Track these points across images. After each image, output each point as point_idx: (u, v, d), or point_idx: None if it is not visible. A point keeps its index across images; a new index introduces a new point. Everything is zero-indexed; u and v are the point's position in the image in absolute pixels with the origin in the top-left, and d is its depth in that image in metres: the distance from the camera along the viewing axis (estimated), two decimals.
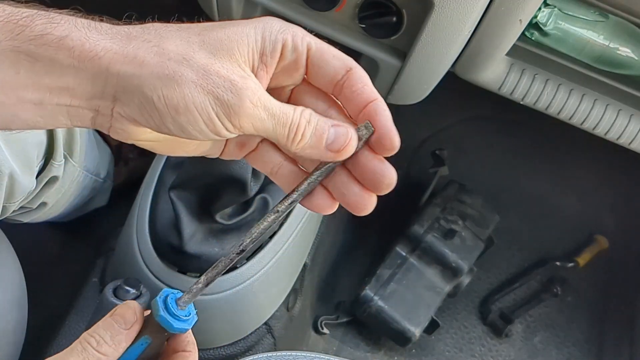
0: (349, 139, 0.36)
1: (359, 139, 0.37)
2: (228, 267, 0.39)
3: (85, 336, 0.41)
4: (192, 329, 0.44)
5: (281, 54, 0.37)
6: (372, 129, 0.36)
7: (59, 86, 0.35)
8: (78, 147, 0.74)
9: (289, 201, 0.38)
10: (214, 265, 0.39)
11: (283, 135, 0.36)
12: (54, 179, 0.72)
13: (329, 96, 0.39)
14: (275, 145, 0.41)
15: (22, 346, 0.75)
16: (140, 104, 0.35)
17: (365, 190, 0.40)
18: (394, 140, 0.38)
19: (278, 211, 0.38)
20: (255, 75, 0.36)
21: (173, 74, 0.34)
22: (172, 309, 0.40)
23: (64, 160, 0.72)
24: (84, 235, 1.03)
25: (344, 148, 0.36)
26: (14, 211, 0.67)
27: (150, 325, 0.41)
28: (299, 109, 0.36)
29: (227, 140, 0.41)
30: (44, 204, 0.76)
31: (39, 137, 0.65)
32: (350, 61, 0.38)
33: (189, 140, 0.39)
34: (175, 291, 0.41)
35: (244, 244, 0.39)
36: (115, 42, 0.35)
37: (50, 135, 0.67)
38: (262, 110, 0.35)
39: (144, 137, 0.39)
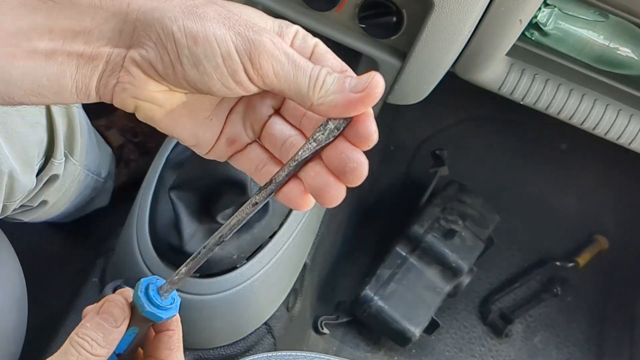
0: (373, 77, 0.35)
1: (337, 128, 0.36)
2: (207, 257, 0.39)
3: (76, 339, 0.41)
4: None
5: (294, 38, 0.37)
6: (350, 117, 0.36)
7: (75, 30, 0.35)
8: (79, 146, 0.74)
9: (267, 192, 0.37)
10: (194, 255, 0.39)
11: (304, 84, 0.34)
12: (54, 178, 0.72)
13: None
14: (261, 146, 0.40)
15: (22, 346, 0.75)
16: (158, 37, 0.34)
17: (337, 180, 0.38)
18: (372, 129, 0.37)
19: (256, 203, 0.37)
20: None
21: (196, 9, 0.34)
22: (156, 300, 0.40)
23: (64, 158, 0.71)
24: (84, 235, 1.03)
25: (369, 87, 0.34)
26: (14, 210, 0.67)
27: (136, 316, 0.41)
28: (317, 65, 0.35)
29: (220, 133, 0.40)
30: (44, 202, 0.76)
31: (40, 135, 0.65)
32: (346, 66, 0.38)
33: (190, 111, 0.38)
34: (154, 278, 0.41)
35: (223, 233, 0.38)
36: None
37: (51, 133, 0.67)
38: (282, 53, 0.34)
39: (151, 95, 0.37)
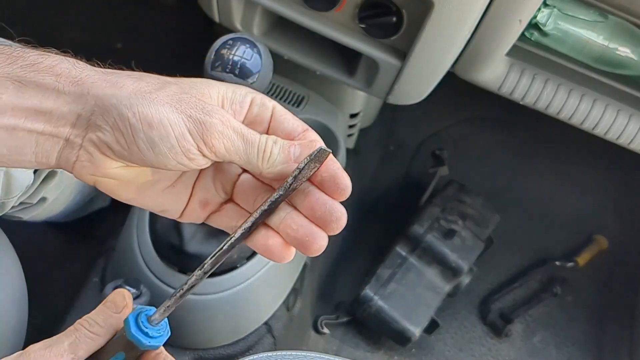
0: (315, 149, 0.39)
1: (311, 167, 0.38)
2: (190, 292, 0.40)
3: (79, 321, 0.43)
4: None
5: (250, 106, 0.40)
6: (327, 152, 0.39)
7: (37, 109, 0.37)
8: None
9: (229, 242, 0.39)
10: (182, 285, 0.40)
11: (254, 155, 0.38)
12: (52, 173, 0.72)
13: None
14: (237, 204, 0.43)
15: (23, 346, 0.75)
16: (114, 122, 0.37)
17: (321, 230, 0.41)
18: (345, 180, 0.41)
19: (221, 250, 0.40)
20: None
21: (149, 95, 0.37)
22: (144, 326, 0.41)
23: None
24: (84, 235, 1.03)
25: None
26: (13, 207, 0.67)
27: (124, 341, 0.42)
28: (264, 135, 0.39)
29: (189, 198, 0.42)
30: (43, 199, 0.76)
31: None
32: (306, 126, 0.41)
33: (151, 183, 0.41)
34: (149, 308, 0.42)
35: (196, 276, 0.40)
36: (99, 73, 0.38)
37: None
38: (232, 131, 0.37)
39: (109, 172, 0.39)
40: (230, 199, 0.43)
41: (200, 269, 0.40)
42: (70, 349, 0.42)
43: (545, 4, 0.72)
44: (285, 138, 0.40)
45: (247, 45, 0.57)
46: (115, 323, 0.43)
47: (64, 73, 0.37)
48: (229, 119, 0.38)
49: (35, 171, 0.68)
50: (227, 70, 0.56)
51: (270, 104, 0.40)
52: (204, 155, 0.37)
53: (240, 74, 0.57)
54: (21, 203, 0.71)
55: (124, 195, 0.42)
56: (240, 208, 0.42)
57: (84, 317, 0.43)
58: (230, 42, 0.57)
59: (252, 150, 0.38)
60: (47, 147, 0.38)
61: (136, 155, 0.37)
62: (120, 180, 0.40)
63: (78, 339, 0.42)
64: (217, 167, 0.42)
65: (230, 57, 0.56)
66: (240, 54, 0.57)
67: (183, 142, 0.36)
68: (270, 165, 0.38)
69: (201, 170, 0.43)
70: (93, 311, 0.44)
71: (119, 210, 0.99)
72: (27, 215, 0.78)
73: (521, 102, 0.79)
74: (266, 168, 0.38)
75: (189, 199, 0.43)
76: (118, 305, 0.44)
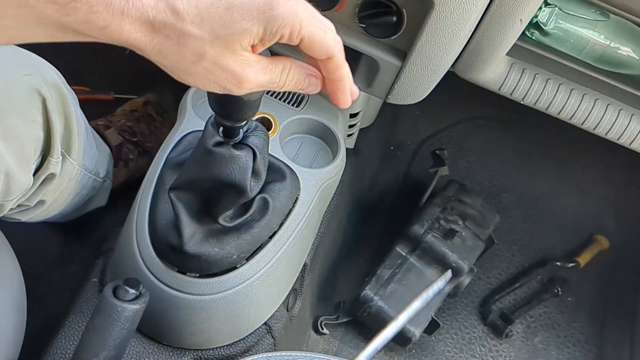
0: (319, 82, 0.50)
1: None
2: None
3: None
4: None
5: (279, 38, 0.45)
6: None
7: None
8: (76, 145, 0.73)
9: None
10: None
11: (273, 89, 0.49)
12: (51, 176, 0.71)
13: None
14: None
15: (22, 346, 0.75)
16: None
17: None
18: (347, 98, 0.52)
19: None
20: (253, 50, 0.45)
21: (188, 69, 0.44)
22: None
23: (61, 157, 0.71)
24: (83, 235, 1.03)
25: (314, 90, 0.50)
26: (11, 209, 0.67)
27: None
28: (284, 70, 0.48)
29: None
30: (42, 202, 0.75)
31: (36, 133, 0.64)
32: (332, 50, 0.47)
33: None
34: None
35: None
36: (143, 34, 0.41)
37: (48, 131, 0.67)
38: (256, 87, 0.46)
39: None
40: None
41: None
42: None
43: (546, 3, 0.71)
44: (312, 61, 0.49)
45: None
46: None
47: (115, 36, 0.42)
48: (255, 81, 0.46)
49: (34, 174, 0.68)
50: None
51: (298, 39, 0.45)
52: None
53: None
54: (19, 205, 0.71)
55: None
56: None
57: None
58: None
59: (272, 87, 0.48)
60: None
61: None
62: None
63: None
64: None
65: None
66: None
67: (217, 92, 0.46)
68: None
69: None
70: None
71: (117, 210, 0.99)
72: (25, 217, 0.78)
73: (522, 102, 0.79)
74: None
75: None
76: None
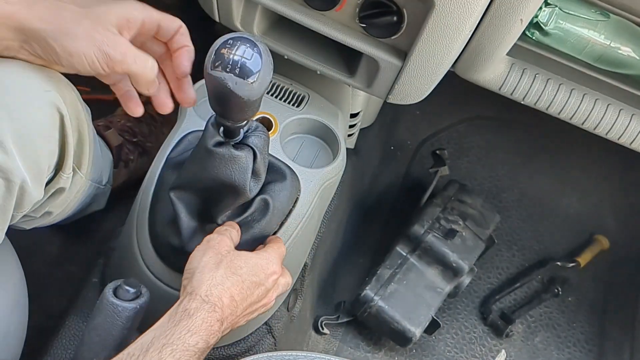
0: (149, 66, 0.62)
1: None
2: None
3: (224, 227, 0.70)
4: None
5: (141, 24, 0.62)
6: None
7: None
8: (87, 160, 0.75)
9: None
10: None
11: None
12: (60, 190, 0.72)
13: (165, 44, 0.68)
14: None
15: (23, 346, 0.75)
16: (44, 47, 0.57)
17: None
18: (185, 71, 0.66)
19: None
20: (121, 34, 0.60)
21: (69, 32, 0.56)
22: None
23: (72, 172, 0.72)
24: (84, 236, 1.03)
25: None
26: (16, 220, 0.67)
27: None
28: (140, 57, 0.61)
29: None
30: (48, 213, 0.76)
31: (52, 148, 0.65)
32: (177, 23, 0.66)
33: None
34: None
35: None
36: (23, 6, 0.56)
37: (62, 147, 0.68)
38: (128, 58, 0.60)
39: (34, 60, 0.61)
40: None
41: None
42: (230, 239, 0.68)
43: (546, 3, 0.71)
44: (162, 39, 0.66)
45: (248, 45, 0.57)
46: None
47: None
48: (127, 49, 0.60)
49: (45, 186, 0.68)
50: (228, 69, 0.56)
51: (150, 25, 0.63)
52: (106, 72, 0.59)
53: (241, 73, 0.57)
54: (25, 216, 0.71)
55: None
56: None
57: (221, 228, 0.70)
58: (231, 41, 0.57)
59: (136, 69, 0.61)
60: None
61: (58, 66, 0.60)
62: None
63: (232, 234, 0.69)
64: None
65: (231, 56, 0.56)
66: (241, 53, 0.57)
67: (94, 66, 0.58)
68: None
69: None
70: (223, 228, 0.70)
71: (118, 211, 0.99)
72: (29, 226, 0.78)
73: (522, 102, 0.79)
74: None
75: None
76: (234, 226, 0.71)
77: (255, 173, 0.69)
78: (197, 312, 0.57)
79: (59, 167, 0.69)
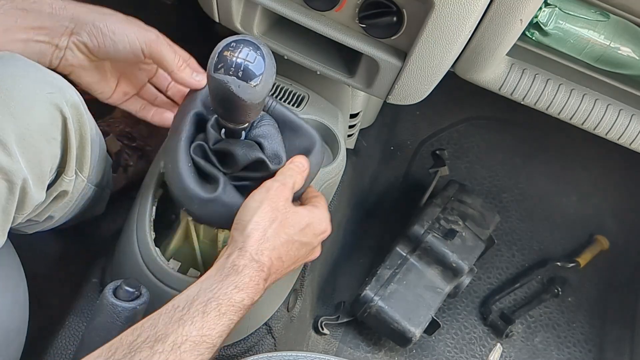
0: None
1: None
2: None
3: (288, 169, 0.67)
4: None
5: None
6: None
7: (40, 26, 0.66)
8: (88, 163, 0.74)
9: None
10: None
11: (175, 61, 0.69)
12: (63, 194, 0.72)
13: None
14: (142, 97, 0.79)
15: (24, 346, 0.75)
16: (90, 30, 0.66)
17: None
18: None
19: None
20: None
21: (110, 16, 0.68)
22: None
23: (75, 176, 0.72)
24: (84, 237, 1.03)
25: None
26: (19, 223, 0.67)
27: None
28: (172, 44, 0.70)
29: (114, 88, 0.76)
30: (50, 217, 0.76)
31: (54, 150, 0.65)
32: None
33: (103, 73, 0.73)
34: None
35: None
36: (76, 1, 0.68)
37: (65, 149, 0.68)
38: (166, 45, 0.69)
39: (81, 63, 0.69)
40: (136, 94, 0.78)
41: None
42: (292, 187, 0.65)
43: (546, 3, 0.71)
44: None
45: (251, 48, 0.56)
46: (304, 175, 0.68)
47: (54, 2, 0.66)
48: (164, 38, 0.69)
49: (47, 189, 0.68)
50: (230, 72, 0.56)
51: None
52: (144, 54, 0.68)
53: (243, 76, 0.56)
54: (29, 220, 0.71)
55: (84, 79, 0.71)
56: (143, 100, 0.79)
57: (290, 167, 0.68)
58: (234, 44, 0.56)
59: (176, 58, 0.70)
60: (46, 51, 0.67)
61: (103, 48, 0.67)
62: (85, 69, 0.70)
63: (295, 181, 0.66)
64: (132, 74, 0.76)
65: (234, 59, 0.56)
66: (244, 56, 0.56)
67: (134, 46, 0.67)
68: (181, 72, 0.70)
69: (122, 72, 0.75)
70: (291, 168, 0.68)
71: (118, 215, 0.99)
72: (32, 231, 0.78)
73: (522, 102, 0.79)
74: (179, 73, 0.70)
75: (115, 88, 0.76)
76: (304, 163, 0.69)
77: (270, 157, 0.68)
78: (246, 269, 0.57)
79: (61, 170, 0.69)
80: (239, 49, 0.56)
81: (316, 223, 0.67)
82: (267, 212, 0.62)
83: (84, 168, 0.75)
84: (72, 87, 0.68)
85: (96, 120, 1.00)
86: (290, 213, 0.64)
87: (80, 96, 0.70)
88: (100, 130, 1.00)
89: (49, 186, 0.69)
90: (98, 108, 0.95)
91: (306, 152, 0.71)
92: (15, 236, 0.72)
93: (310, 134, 0.72)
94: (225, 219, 0.64)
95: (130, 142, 1.02)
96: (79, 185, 0.76)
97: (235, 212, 0.63)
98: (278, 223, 0.62)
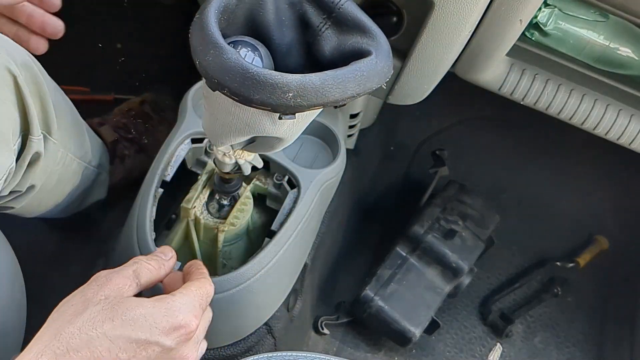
0: None
1: None
2: None
3: (134, 258, 0.56)
4: None
5: None
6: None
7: None
8: (55, 125, 0.73)
9: None
10: None
11: None
12: (36, 157, 0.71)
13: None
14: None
15: (21, 346, 0.75)
16: None
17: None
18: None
19: None
20: None
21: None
22: None
23: (42, 135, 0.70)
24: (84, 235, 1.03)
25: None
26: (3, 197, 0.66)
27: None
28: None
29: None
30: (32, 186, 0.74)
31: (9, 111, 0.64)
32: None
33: None
34: None
35: None
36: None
37: (23, 111, 0.66)
38: None
39: None
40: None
41: None
42: (134, 275, 0.53)
43: (545, 4, 0.71)
44: None
45: (249, 48, 0.56)
46: (164, 267, 0.57)
47: None
48: None
49: (17, 158, 0.67)
50: None
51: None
52: None
53: None
54: (11, 192, 0.71)
55: None
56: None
57: (137, 258, 0.56)
58: (232, 44, 0.56)
59: None
60: None
61: None
62: None
63: (140, 268, 0.54)
64: None
65: None
66: (242, 56, 0.56)
67: None
68: None
69: None
70: (145, 256, 0.57)
71: (117, 209, 0.99)
72: (19, 205, 0.77)
73: (522, 102, 0.79)
74: None
75: None
76: (167, 253, 0.59)
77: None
78: None
79: (26, 132, 0.68)
80: (237, 50, 0.56)
81: (161, 313, 0.50)
82: (72, 306, 0.54)
83: (52, 130, 0.73)
84: (23, 49, 0.67)
85: (91, 118, 1.00)
86: (115, 302, 0.51)
87: (33, 57, 0.69)
88: (96, 122, 1.00)
89: (21, 153, 0.68)
90: (99, 108, 0.95)
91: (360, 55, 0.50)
92: (13, 235, 0.72)
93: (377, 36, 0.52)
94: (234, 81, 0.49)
95: (126, 133, 1.02)
96: (52, 148, 0.74)
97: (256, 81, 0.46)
98: (88, 315, 0.51)
